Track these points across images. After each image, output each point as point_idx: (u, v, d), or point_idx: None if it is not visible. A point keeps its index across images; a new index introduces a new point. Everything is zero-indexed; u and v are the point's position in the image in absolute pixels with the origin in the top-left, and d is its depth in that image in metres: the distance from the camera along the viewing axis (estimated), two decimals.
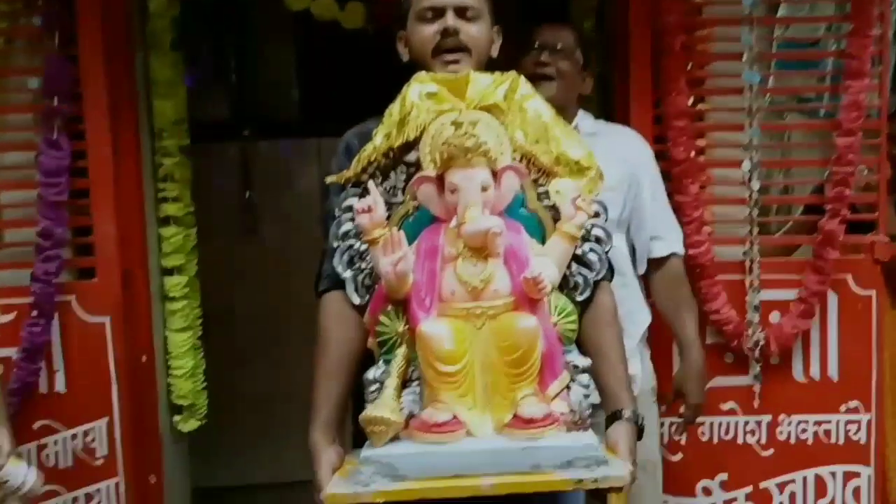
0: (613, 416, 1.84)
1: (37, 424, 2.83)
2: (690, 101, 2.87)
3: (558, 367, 1.72)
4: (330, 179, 1.93)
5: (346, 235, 1.87)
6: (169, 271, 3.11)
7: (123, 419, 2.86)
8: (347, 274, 1.87)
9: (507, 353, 1.67)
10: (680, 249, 2.70)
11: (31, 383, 2.81)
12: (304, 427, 1.87)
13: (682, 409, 2.72)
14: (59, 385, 2.85)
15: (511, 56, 2.71)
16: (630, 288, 2.61)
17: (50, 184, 2.79)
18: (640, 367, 2.62)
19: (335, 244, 1.88)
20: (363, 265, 1.85)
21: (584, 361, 1.80)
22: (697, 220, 2.79)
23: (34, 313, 2.78)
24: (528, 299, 1.70)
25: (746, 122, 2.81)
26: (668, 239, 2.68)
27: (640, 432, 1.85)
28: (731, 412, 2.90)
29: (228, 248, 4.48)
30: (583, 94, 2.68)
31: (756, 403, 2.89)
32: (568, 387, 1.74)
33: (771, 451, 2.93)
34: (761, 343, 2.84)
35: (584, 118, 2.67)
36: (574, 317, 1.81)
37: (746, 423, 2.91)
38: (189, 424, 3.13)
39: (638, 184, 2.61)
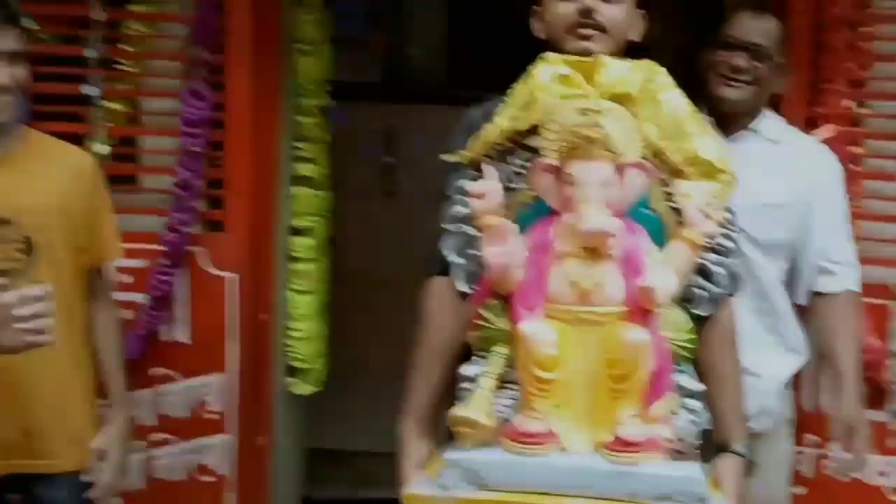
0: (722, 448, 1.72)
1: (155, 372, 2.89)
2: (850, 104, 2.67)
3: (666, 388, 1.60)
4: (448, 157, 1.86)
5: (458, 219, 1.80)
6: (297, 231, 3.11)
7: (240, 376, 2.89)
8: (457, 260, 1.80)
9: (611, 366, 1.56)
10: (855, 286, 2.45)
11: (154, 331, 2.87)
12: None
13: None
14: (181, 335, 2.89)
15: (689, 42, 2.53)
16: (782, 317, 2.43)
17: (191, 134, 2.83)
18: (778, 399, 2.46)
19: (447, 227, 1.82)
20: (474, 252, 1.77)
21: (696, 385, 1.67)
22: None
23: (165, 262, 2.84)
24: (640, 309, 1.59)
25: None
26: (841, 275, 2.43)
27: (749, 468, 1.73)
28: None
29: (365, 211, 4.49)
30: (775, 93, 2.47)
31: (891, 442, 2.69)
32: (675, 411, 1.63)
33: None
34: None
35: (769, 120, 2.44)
36: (690, 335, 1.69)
37: (878, 462, 2.70)
38: (302, 388, 3.13)
39: (809, 205, 2.39)
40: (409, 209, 4.62)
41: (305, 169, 3.12)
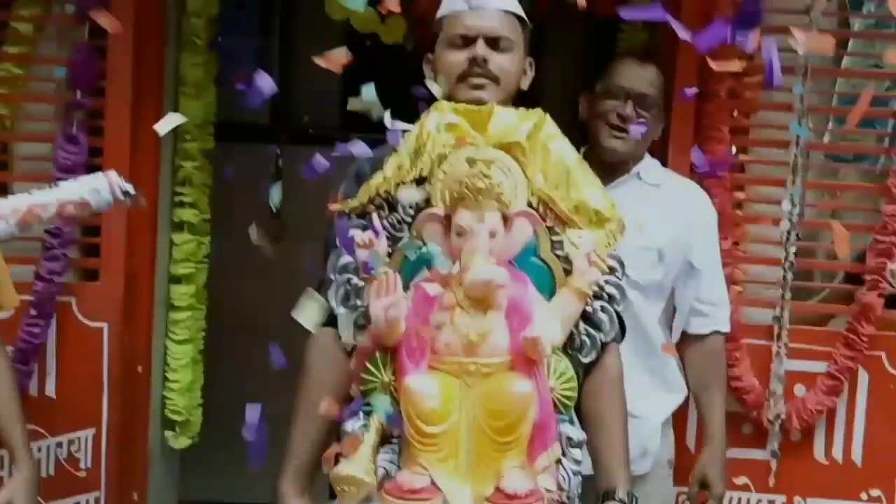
0: (606, 496, 1.71)
1: None
2: (732, 150, 2.72)
3: (550, 438, 1.59)
4: (334, 207, 1.82)
5: (344, 269, 1.76)
6: (177, 279, 3.01)
7: (111, 431, 2.77)
8: (341, 311, 1.75)
9: (495, 418, 1.54)
10: (724, 327, 2.50)
11: (22, 385, 2.68)
12: None
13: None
14: (50, 390, 2.77)
15: (577, 85, 2.55)
16: (661, 358, 2.42)
17: (63, 180, 2.72)
18: (658, 440, 2.46)
19: (332, 277, 1.77)
20: (359, 303, 1.73)
21: (578, 434, 1.67)
22: (727, 278, 2.64)
23: (33, 312, 2.70)
24: (525, 359, 1.58)
25: (789, 179, 2.65)
26: (711, 316, 2.46)
27: None
28: (744, 487, 2.72)
29: (250, 254, 4.39)
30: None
31: (771, 481, 2.71)
32: (559, 461, 1.61)
33: None
34: (782, 417, 2.67)
35: (648, 166, 2.46)
36: (574, 383, 1.68)
37: (759, 500, 2.73)
38: (181, 441, 3.02)
39: (689, 247, 2.41)
40: (296, 254, 4.55)
41: (186, 214, 3.02)
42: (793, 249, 2.65)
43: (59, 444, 2.75)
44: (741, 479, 2.72)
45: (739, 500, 2.73)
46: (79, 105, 2.74)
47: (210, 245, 3.14)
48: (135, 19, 2.76)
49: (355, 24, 3.18)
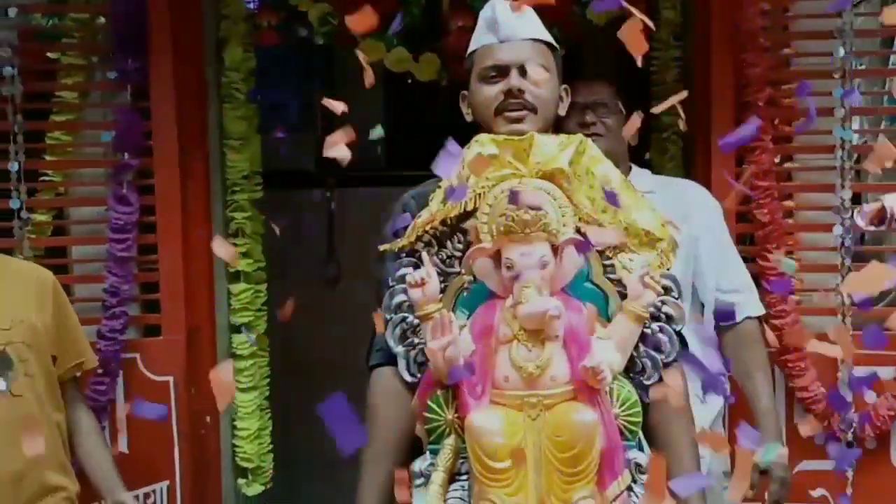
0: None
1: None
2: (777, 159, 2.70)
3: (618, 466, 1.58)
4: (383, 247, 1.83)
5: (399, 307, 1.76)
6: (237, 328, 3.06)
7: (185, 482, 2.81)
8: (399, 349, 1.76)
9: (562, 449, 1.54)
10: (755, 311, 2.49)
11: None
12: None
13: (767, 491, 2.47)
14: (122, 445, 2.81)
15: None
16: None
17: (118, 240, 2.81)
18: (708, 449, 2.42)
19: (388, 316, 1.77)
20: (416, 340, 1.73)
21: (647, 460, 1.64)
22: None
23: (99, 371, 2.75)
24: (587, 388, 1.57)
25: (838, 183, 2.63)
26: (739, 302, 2.46)
27: None
28: (822, 500, 2.66)
29: (309, 298, 4.42)
30: (632, 145, 2.50)
31: (849, 491, 2.65)
32: (630, 488, 1.60)
33: None
34: (854, 425, 2.63)
35: (638, 175, 2.49)
36: (638, 408, 1.66)
37: None
38: (253, 488, 3.05)
39: (694, 242, 2.41)
40: (353, 292, 4.58)
41: (241, 264, 3.06)
42: (850, 253, 2.62)
43: (136, 498, 2.73)
44: (818, 492, 2.67)
45: None
46: (127, 166, 2.81)
47: (267, 292, 3.18)
48: (175, 78, 2.83)
49: (389, 65, 3.21)
